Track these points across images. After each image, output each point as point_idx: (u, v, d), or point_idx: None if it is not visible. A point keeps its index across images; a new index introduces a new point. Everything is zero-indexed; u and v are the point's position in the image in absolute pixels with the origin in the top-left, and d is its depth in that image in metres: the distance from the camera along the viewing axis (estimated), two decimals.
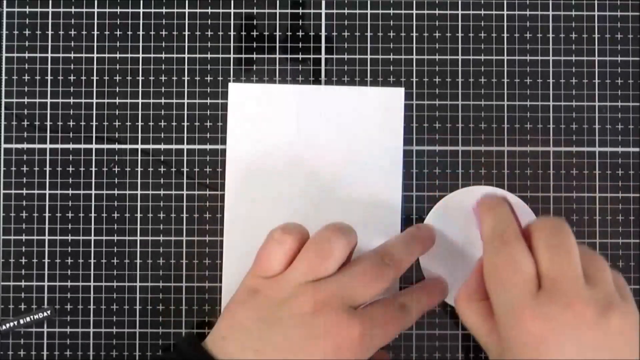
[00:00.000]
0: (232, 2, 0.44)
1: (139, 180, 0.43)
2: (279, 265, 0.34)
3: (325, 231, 0.35)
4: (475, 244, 0.40)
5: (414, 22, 0.43)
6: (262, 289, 0.34)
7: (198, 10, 0.43)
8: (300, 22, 0.43)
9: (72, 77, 0.43)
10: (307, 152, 0.42)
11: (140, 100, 0.43)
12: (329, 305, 0.32)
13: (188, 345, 0.34)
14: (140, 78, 0.43)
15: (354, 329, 0.32)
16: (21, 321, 0.42)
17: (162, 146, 0.43)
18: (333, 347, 0.31)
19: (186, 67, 0.43)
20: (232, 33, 0.43)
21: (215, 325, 0.35)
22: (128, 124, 0.43)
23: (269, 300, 0.33)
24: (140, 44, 0.43)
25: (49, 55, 0.43)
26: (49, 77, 0.43)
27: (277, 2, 0.44)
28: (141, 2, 0.43)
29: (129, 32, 0.43)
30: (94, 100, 0.43)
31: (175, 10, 0.43)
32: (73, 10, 0.43)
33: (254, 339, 0.32)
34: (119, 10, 0.43)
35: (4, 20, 0.43)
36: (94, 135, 0.43)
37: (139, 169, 0.43)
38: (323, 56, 0.43)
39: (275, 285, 0.34)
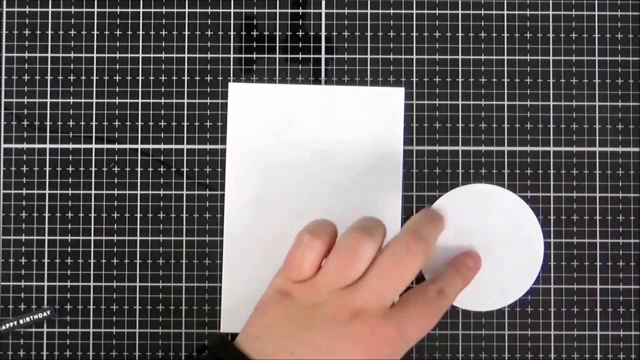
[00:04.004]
0: (232, 2, 0.44)
1: (138, 180, 0.43)
2: (310, 270, 0.34)
3: (353, 232, 0.34)
4: (473, 242, 0.40)
5: (414, 22, 0.43)
6: (294, 293, 0.34)
7: (198, 10, 0.43)
8: (300, 22, 0.43)
9: (72, 77, 0.43)
10: (307, 152, 0.42)
11: (140, 100, 0.43)
12: (362, 311, 0.32)
13: (222, 347, 0.33)
14: (140, 78, 0.43)
15: (389, 332, 0.32)
16: (21, 321, 0.42)
17: (162, 146, 0.43)
18: (369, 351, 0.32)
19: (186, 67, 0.43)
20: (232, 33, 0.44)
21: (245, 325, 0.34)
22: (128, 124, 0.43)
23: (301, 304, 0.33)
24: (140, 44, 0.43)
25: (49, 55, 0.43)
26: (49, 77, 0.43)
27: (277, 2, 0.44)
28: (141, 2, 0.43)
29: (129, 32, 0.43)
30: (94, 100, 0.43)
31: (175, 10, 0.43)
32: (73, 10, 0.43)
33: (289, 340, 0.32)
34: (119, 10, 0.43)
35: (4, 20, 0.43)
36: (93, 135, 0.43)
37: (139, 169, 0.43)
38: (323, 56, 0.43)
39: (307, 290, 0.34)
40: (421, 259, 0.34)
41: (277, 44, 0.43)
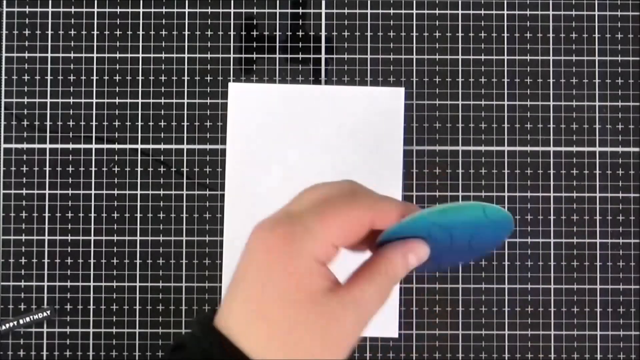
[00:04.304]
0: (232, 2, 0.44)
1: (138, 180, 0.43)
2: None
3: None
4: None
5: (414, 22, 0.43)
6: None
7: (198, 10, 0.43)
8: (300, 22, 0.43)
9: (72, 77, 0.43)
10: (307, 152, 0.42)
11: (140, 100, 0.43)
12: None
13: (197, 324, 0.29)
14: (140, 78, 0.43)
15: (272, 231, 0.27)
16: (21, 321, 0.42)
17: (162, 146, 0.43)
18: (260, 261, 0.27)
19: (186, 67, 0.43)
20: (232, 33, 0.44)
21: None
22: (128, 124, 0.43)
23: None
24: (140, 44, 0.43)
25: (49, 55, 0.43)
26: (49, 77, 0.43)
27: (277, 2, 0.44)
28: (141, 2, 0.43)
29: (129, 32, 0.43)
30: (94, 100, 0.43)
31: (175, 10, 0.43)
32: (73, 10, 0.43)
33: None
34: (119, 10, 0.43)
35: (4, 20, 0.43)
36: (94, 135, 0.43)
37: (139, 169, 0.43)
38: (323, 56, 0.43)
39: None
40: (340, 185, 0.29)
41: (277, 44, 0.43)
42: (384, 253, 0.28)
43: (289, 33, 0.43)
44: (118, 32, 0.43)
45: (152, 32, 0.43)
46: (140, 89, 0.43)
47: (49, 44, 0.43)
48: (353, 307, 0.26)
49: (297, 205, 0.28)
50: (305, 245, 0.26)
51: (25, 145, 0.43)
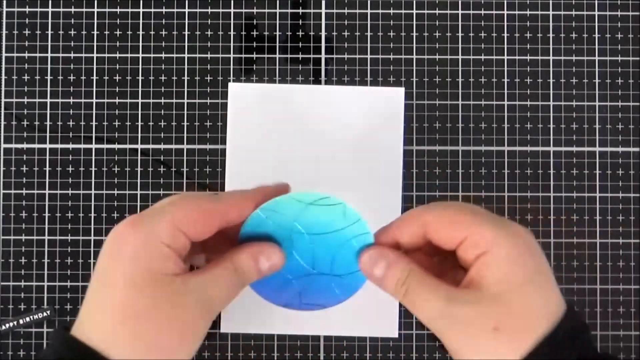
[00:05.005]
0: (232, 2, 0.44)
1: (138, 180, 0.43)
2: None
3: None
4: None
5: (414, 22, 0.43)
6: None
7: (198, 10, 0.43)
8: (300, 22, 0.43)
9: (72, 77, 0.43)
10: (307, 152, 0.42)
11: (140, 100, 0.43)
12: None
13: (55, 336, 0.29)
14: (140, 78, 0.43)
15: (121, 224, 0.27)
16: (21, 321, 0.42)
17: (162, 146, 0.43)
18: (108, 252, 0.27)
19: (186, 67, 0.43)
20: (232, 33, 0.44)
21: None
22: (128, 124, 0.43)
23: None
24: (140, 44, 0.43)
25: (49, 55, 0.43)
26: (49, 77, 0.43)
27: (277, 2, 0.44)
28: (141, 2, 0.43)
29: (129, 32, 0.43)
30: (94, 100, 0.43)
31: (175, 10, 0.43)
32: (73, 10, 0.43)
33: None
34: (119, 10, 0.43)
35: (4, 20, 0.43)
36: (93, 135, 0.43)
37: (139, 169, 0.43)
38: (323, 56, 0.43)
39: None
40: (191, 200, 0.28)
41: (277, 44, 0.43)
42: (234, 250, 0.28)
43: (289, 33, 0.43)
44: (118, 32, 0.43)
45: (152, 32, 0.43)
46: (140, 89, 0.43)
47: (49, 44, 0.43)
48: (196, 295, 0.26)
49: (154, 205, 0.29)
50: (150, 227, 0.26)
51: (25, 145, 0.43)
